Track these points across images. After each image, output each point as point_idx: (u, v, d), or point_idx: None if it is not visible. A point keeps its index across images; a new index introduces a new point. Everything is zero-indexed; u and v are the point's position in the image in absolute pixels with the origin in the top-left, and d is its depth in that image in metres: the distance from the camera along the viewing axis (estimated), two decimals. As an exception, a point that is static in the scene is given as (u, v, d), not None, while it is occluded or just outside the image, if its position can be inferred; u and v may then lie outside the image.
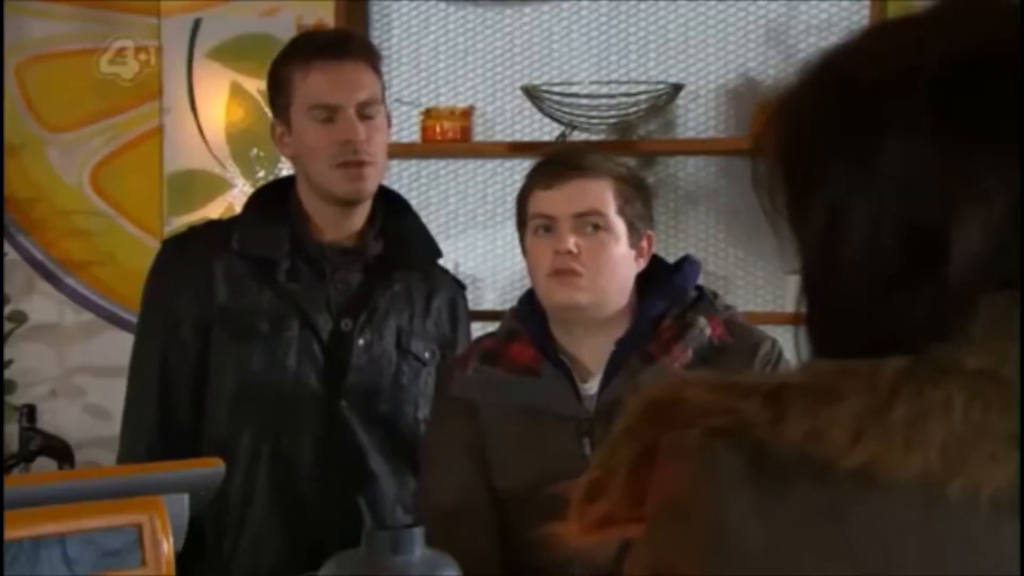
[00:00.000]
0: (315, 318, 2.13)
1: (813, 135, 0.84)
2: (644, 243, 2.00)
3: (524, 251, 2.03)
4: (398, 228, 2.26)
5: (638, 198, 2.00)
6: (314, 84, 2.14)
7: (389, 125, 2.26)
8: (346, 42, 2.22)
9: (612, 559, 0.86)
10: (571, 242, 1.92)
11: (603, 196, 1.95)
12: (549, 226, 1.95)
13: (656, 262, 2.06)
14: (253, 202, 2.29)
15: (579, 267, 1.92)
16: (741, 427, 0.77)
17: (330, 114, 2.13)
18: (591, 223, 1.93)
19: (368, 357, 2.15)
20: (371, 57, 2.21)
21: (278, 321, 2.12)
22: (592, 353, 1.97)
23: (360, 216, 2.21)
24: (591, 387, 1.96)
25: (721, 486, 0.76)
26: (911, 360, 0.76)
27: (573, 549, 0.84)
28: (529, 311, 2.03)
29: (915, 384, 0.75)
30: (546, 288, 1.95)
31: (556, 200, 1.95)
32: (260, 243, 2.16)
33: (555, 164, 2.00)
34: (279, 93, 2.20)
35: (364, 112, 2.15)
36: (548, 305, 1.98)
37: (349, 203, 2.18)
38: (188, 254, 2.21)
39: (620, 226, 1.95)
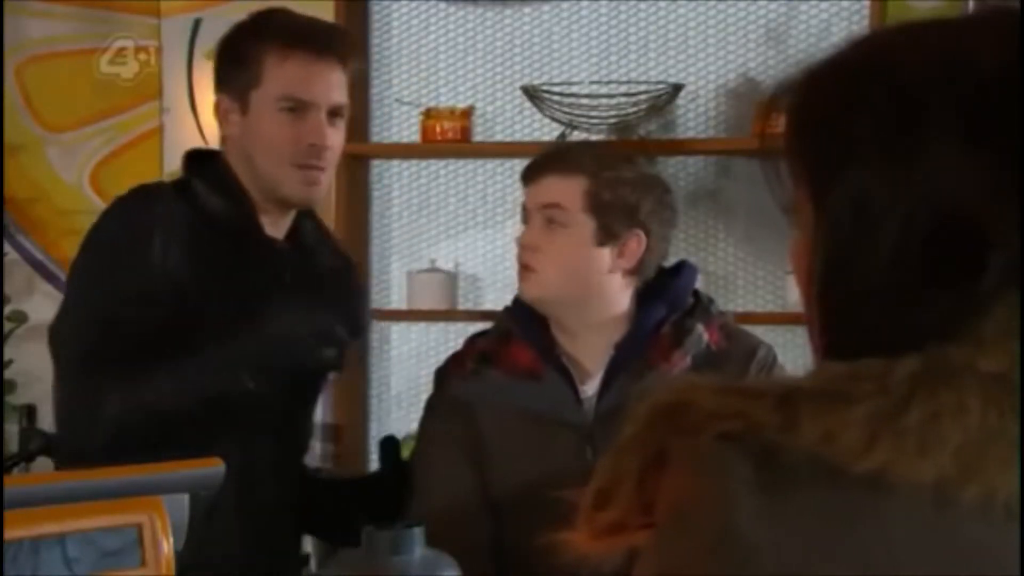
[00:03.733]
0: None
1: (842, 131, 0.82)
2: (632, 243, 1.98)
3: None
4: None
5: (620, 200, 1.97)
6: (291, 74, 1.98)
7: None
8: (331, 37, 2.05)
9: (619, 567, 0.85)
10: (527, 235, 1.97)
11: (568, 192, 1.94)
12: (525, 219, 1.99)
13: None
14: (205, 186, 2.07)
15: (533, 262, 1.95)
16: (751, 431, 0.76)
17: (300, 110, 1.98)
18: (548, 217, 1.95)
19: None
20: (351, 57, 2.07)
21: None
22: (592, 355, 1.97)
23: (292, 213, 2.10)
24: (590, 388, 1.96)
25: (730, 492, 0.75)
26: (923, 362, 0.75)
27: (581, 557, 0.83)
28: (522, 309, 2.03)
29: (929, 387, 0.74)
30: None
31: (528, 194, 2.00)
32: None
33: (539, 157, 2.03)
34: (240, 69, 2.02)
35: (334, 115, 2.02)
36: None
37: (293, 206, 2.06)
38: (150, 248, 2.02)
39: (585, 223, 1.94)
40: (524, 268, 1.96)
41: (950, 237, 0.77)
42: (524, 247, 1.96)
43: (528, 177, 2.00)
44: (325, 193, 2.08)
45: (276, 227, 2.06)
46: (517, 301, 2.06)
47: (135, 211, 2.07)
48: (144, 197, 2.11)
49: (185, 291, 1.95)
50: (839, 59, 0.84)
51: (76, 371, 1.97)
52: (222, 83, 2.06)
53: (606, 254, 1.95)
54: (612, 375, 1.94)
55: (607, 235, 1.95)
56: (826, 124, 0.83)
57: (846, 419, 0.75)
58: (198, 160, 2.14)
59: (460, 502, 1.92)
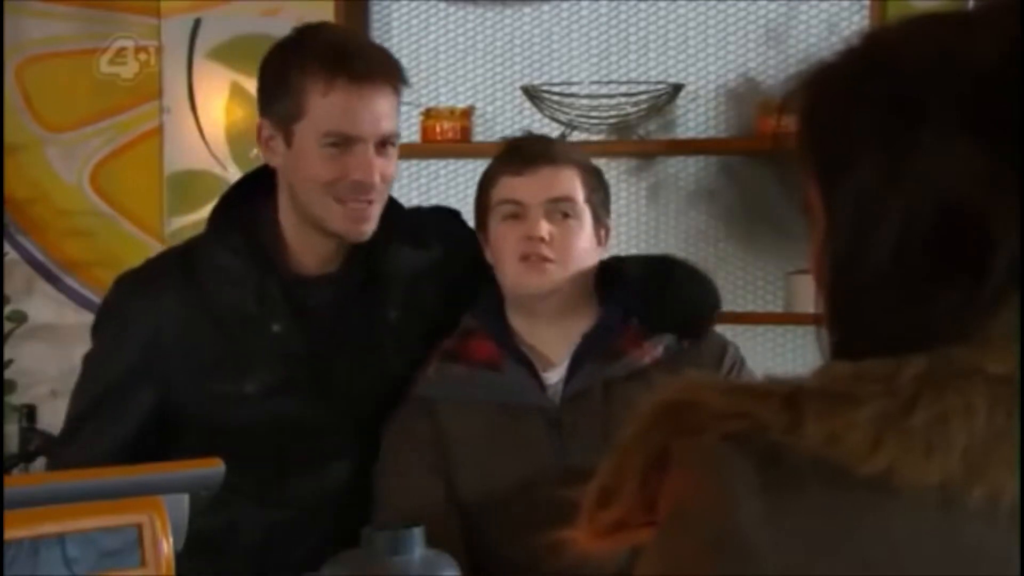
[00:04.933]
0: None
1: (844, 129, 0.82)
2: (603, 232, 2.02)
3: (483, 236, 2.02)
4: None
5: (600, 188, 2.02)
6: (335, 108, 1.86)
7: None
8: (372, 59, 1.91)
9: (622, 566, 0.85)
10: (544, 228, 1.93)
11: (573, 184, 1.96)
12: (518, 212, 1.95)
13: (621, 259, 2.07)
14: (222, 231, 1.99)
15: (550, 253, 1.93)
16: (755, 432, 0.76)
17: (345, 144, 1.87)
18: (561, 210, 1.95)
19: None
20: (398, 78, 1.93)
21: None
22: (553, 343, 1.97)
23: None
24: (553, 376, 1.95)
25: (733, 492, 0.75)
26: (929, 363, 0.75)
27: (583, 555, 0.83)
28: (486, 307, 2.02)
29: (935, 389, 0.74)
30: (515, 273, 1.95)
31: (527, 186, 1.95)
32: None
33: (524, 150, 2.00)
34: (284, 96, 1.91)
35: (384, 144, 1.91)
36: (515, 291, 1.98)
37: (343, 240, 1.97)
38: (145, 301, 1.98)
39: (587, 214, 1.97)
40: (540, 260, 1.94)
41: (951, 233, 0.77)
42: (538, 240, 1.93)
43: (518, 170, 1.96)
44: (375, 223, 1.94)
45: (326, 259, 1.99)
46: (479, 298, 2.05)
47: (127, 301, 2.01)
48: (142, 280, 2.03)
49: (182, 381, 1.94)
50: (841, 58, 0.84)
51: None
52: (265, 107, 1.95)
53: (595, 243, 1.99)
54: (579, 362, 1.94)
55: (598, 225, 1.99)
56: (829, 123, 0.83)
57: (851, 420, 0.74)
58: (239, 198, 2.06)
59: (423, 512, 1.88)
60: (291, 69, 1.90)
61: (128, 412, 1.96)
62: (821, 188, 0.83)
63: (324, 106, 1.87)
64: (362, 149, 1.88)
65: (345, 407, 1.99)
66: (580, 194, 1.96)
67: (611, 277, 2.02)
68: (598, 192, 2.00)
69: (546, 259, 1.93)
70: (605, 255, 2.04)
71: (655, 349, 1.94)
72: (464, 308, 2.04)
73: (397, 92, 1.92)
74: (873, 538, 0.74)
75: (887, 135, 0.80)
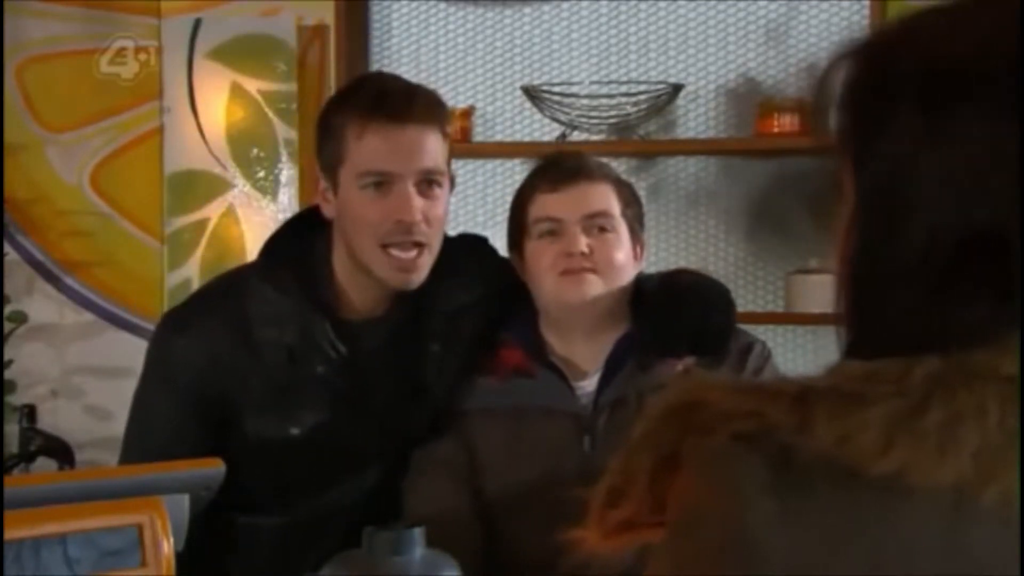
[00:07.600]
0: None
1: (875, 119, 0.81)
2: (639, 247, 2.03)
3: (518, 255, 2.02)
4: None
5: (635, 203, 2.03)
6: (369, 147, 1.83)
7: (452, 186, 1.96)
8: (411, 100, 1.87)
9: (630, 565, 0.85)
10: (583, 243, 1.93)
11: (609, 198, 1.97)
12: (555, 229, 1.96)
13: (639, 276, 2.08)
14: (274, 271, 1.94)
15: (592, 266, 1.94)
16: (765, 432, 0.75)
17: (384, 184, 1.84)
18: (599, 224, 1.95)
19: None
20: (439, 117, 1.89)
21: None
22: (586, 354, 1.98)
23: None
24: (586, 386, 1.96)
25: (743, 493, 0.75)
26: (942, 363, 0.75)
27: (592, 555, 0.83)
28: (520, 321, 2.03)
29: (948, 389, 0.73)
30: (555, 289, 1.95)
31: (563, 203, 1.96)
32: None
33: (558, 167, 2.01)
34: (328, 145, 1.90)
35: (426, 182, 1.87)
36: (555, 305, 1.98)
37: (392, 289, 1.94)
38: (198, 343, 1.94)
39: (624, 228, 1.98)
40: (582, 271, 1.94)
41: (977, 237, 0.76)
42: (579, 255, 1.93)
43: (553, 187, 1.96)
44: (428, 270, 1.90)
45: (376, 303, 1.96)
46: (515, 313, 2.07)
47: (173, 338, 1.96)
48: (187, 316, 2.00)
49: (232, 415, 1.91)
50: (880, 35, 0.83)
51: None
52: (318, 160, 1.94)
53: (632, 256, 1.99)
54: (613, 369, 1.95)
55: (634, 238, 2.00)
56: (868, 93, 0.82)
57: (863, 420, 0.74)
58: (291, 239, 2.01)
59: (445, 517, 1.88)
60: (333, 117, 1.90)
61: (188, 441, 1.91)
62: (853, 166, 0.82)
63: (359, 148, 1.85)
64: (401, 187, 1.85)
65: (386, 437, 1.98)
66: (616, 208, 1.97)
67: (636, 292, 2.03)
68: (632, 207, 2.01)
69: (588, 270, 1.93)
70: (640, 269, 2.04)
71: (686, 359, 1.95)
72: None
73: (440, 132, 1.89)
74: (883, 539, 0.73)
75: (921, 117, 0.78)
